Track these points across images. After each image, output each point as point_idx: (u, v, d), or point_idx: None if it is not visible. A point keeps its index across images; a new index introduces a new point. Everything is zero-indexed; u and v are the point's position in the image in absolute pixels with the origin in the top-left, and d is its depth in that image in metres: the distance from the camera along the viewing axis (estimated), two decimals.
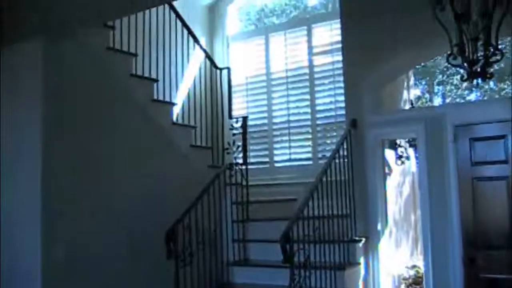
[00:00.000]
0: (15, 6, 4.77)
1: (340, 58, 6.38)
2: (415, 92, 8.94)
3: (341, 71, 6.31)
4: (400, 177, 7.42)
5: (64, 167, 4.93)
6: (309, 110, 7.60)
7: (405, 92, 7.41)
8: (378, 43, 5.65)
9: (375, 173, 5.73)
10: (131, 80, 5.95)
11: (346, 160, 5.64)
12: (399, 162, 7.26)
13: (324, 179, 5.15)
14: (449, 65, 3.91)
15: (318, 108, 7.52)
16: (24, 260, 4.77)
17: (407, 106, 7.38)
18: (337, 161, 5.44)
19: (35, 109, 4.84)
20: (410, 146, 7.38)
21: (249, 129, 7.06)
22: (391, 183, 6.72)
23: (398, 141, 7.11)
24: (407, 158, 7.50)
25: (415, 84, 9.25)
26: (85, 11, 4.55)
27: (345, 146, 5.65)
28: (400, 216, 7.22)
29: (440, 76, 11.48)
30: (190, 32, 6.92)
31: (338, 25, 6.44)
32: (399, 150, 7.23)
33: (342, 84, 6.24)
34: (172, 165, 6.14)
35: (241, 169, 6.24)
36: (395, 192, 7.07)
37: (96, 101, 5.37)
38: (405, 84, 7.46)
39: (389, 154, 6.73)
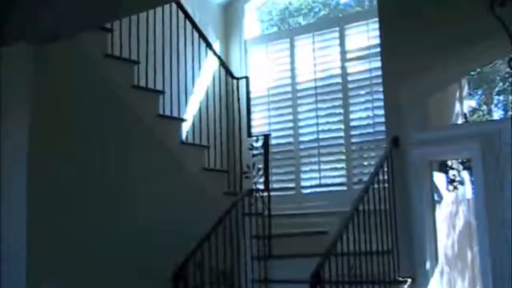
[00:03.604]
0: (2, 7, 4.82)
1: (378, 64, 6.37)
2: (469, 104, 8.85)
3: (380, 80, 6.29)
4: (453, 206, 7.32)
5: (51, 187, 4.97)
6: (342, 126, 7.57)
7: (457, 104, 7.33)
8: (423, 46, 5.62)
9: (421, 201, 5.67)
10: (133, 92, 5.99)
11: (387, 185, 5.60)
12: (450, 187, 7.16)
13: (361, 208, 5.12)
14: (511, 71, 3.85)
15: (353, 123, 7.49)
16: None
17: (460, 121, 7.31)
18: (376, 186, 5.41)
19: (22, 120, 4.87)
20: (464, 168, 7.28)
21: (272, 149, 7.07)
22: (442, 212, 6.63)
23: (449, 163, 7.03)
24: (461, 182, 7.40)
25: (470, 94, 9.17)
26: (80, 11, 4.58)
27: (385, 169, 5.61)
28: (453, 253, 7.10)
29: (501, 84, 11.38)
30: (202, 35, 6.95)
31: (376, 26, 6.45)
32: (451, 173, 7.14)
33: (381, 96, 6.23)
34: (181, 191, 6.16)
35: (262, 197, 6.21)
36: (446, 224, 6.97)
37: (92, 114, 5.43)
38: (457, 94, 7.39)
39: (439, 178, 6.65)
